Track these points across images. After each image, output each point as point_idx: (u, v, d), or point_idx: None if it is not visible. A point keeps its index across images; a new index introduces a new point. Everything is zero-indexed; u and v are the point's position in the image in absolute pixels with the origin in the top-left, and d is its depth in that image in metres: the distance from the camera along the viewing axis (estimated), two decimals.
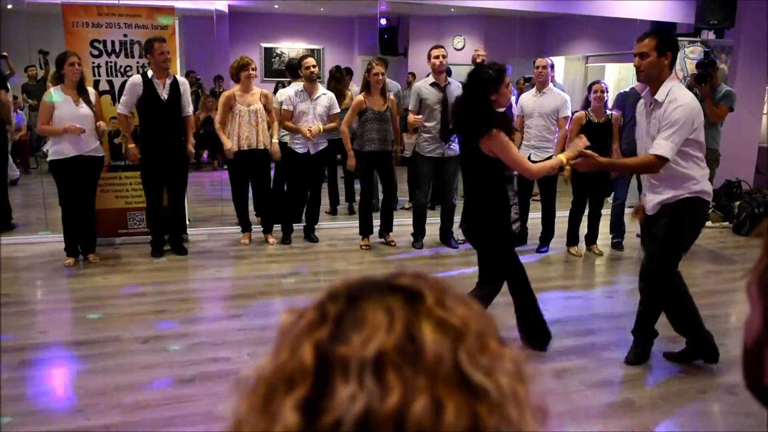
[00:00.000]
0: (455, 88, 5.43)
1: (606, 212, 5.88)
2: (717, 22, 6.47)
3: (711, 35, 6.77)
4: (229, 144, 5.26)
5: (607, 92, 5.34)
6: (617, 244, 5.88)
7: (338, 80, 6.58)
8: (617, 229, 5.88)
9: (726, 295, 4.79)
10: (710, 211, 6.25)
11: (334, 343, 0.45)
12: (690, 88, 5.78)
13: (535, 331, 3.57)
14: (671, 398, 3.21)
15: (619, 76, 9.47)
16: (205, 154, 9.89)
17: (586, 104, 5.39)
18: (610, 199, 6.39)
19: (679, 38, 6.97)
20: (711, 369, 3.49)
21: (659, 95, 3.17)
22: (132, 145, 5.03)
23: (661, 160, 3.11)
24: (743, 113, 6.78)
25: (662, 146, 3.10)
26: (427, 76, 5.85)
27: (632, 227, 6.00)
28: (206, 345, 3.60)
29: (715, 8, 6.46)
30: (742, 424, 2.90)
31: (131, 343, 3.58)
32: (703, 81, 5.59)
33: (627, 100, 5.65)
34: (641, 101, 3.42)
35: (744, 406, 3.08)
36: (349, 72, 8.13)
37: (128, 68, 5.25)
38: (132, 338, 3.64)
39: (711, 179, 5.80)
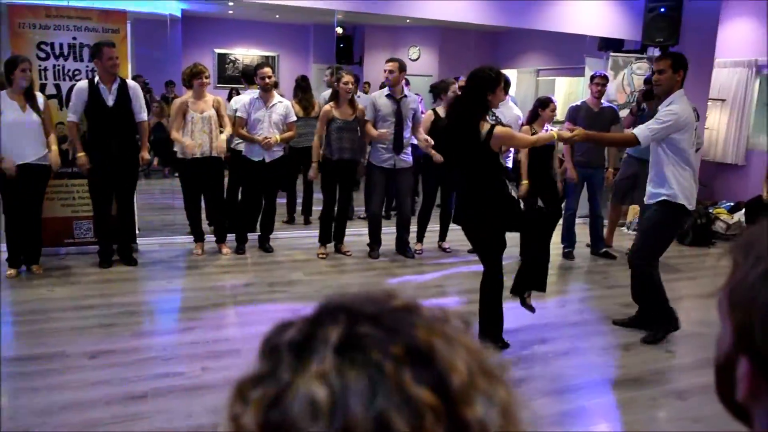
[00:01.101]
0: (411, 101, 5.47)
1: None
2: (662, 39, 6.72)
3: (657, 52, 7.02)
4: (189, 141, 5.15)
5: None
6: (568, 254, 6.02)
7: (305, 90, 6.55)
8: (568, 239, 6.02)
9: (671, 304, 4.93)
10: None
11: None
12: (638, 103, 6.00)
13: (492, 328, 3.72)
14: (623, 405, 3.30)
15: (568, 90, 9.74)
16: (155, 162, 9.65)
17: (533, 118, 5.47)
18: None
19: (627, 54, 7.23)
20: (662, 377, 3.60)
21: (663, 104, 3.89)
22: (81, 154, 4.86)
23: (636, 140, 3.85)
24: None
25: (642, 130, 3.84)
26: (382, 87, 5.90)
27: (583, 237, 6.16)
28: (158, 360, 3.50)
29: (661, 26, 6.71)
30: (690, 429, 2.99)
31: (78, 358, 3.45)
32: (650, 97, 5.78)
33: (579, 113, 5.81)
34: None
35: (693, 411, 3.18)
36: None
37: (77, 72, 5.08)
38: (79, 353, 3.50)
39: None
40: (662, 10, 6.69)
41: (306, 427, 0.42)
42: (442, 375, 0.44)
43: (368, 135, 5.39)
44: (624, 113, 6.62)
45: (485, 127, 3.50)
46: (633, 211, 7.13)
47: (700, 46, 7.07)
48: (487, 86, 3.50)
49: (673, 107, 3.82)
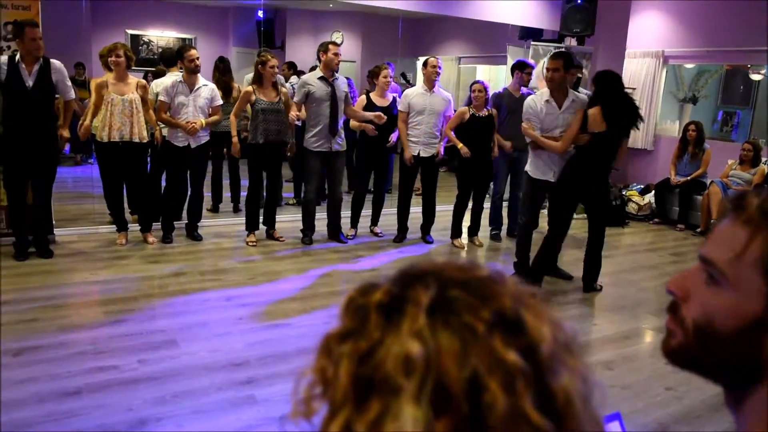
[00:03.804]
0: (342, 83, 5.46)
1: (486, 205, 6.19)
2: (579, 30, 7.01)
3: (573, 42, 7.32)
4: (89, 120, 5.04)
5: (488, 91, 5.62)
6: (495, 236, 6.21)
7: (223, 72, 6.34)
8: (496, 221, 6.21)
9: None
10: None
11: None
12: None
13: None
14: None
15: (488, 77, 9.99)
16: (66, 147, 9.10)
17: (469, 102, 5.66)
18: (489, 194, 6.74)
19: (546, 44, 7.49)
20: (589, 349, 3.80)
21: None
22: None
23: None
24: None
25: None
26: (311, 69, 5.86)
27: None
28: (89, 354, 3.33)
29: (578, 17, 6.99)
30: (620, 395, 3.19)
31: (1, 356, 3.23)
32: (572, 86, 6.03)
33: (502, 99, 5.99)
34: (545, 102, 4.67)
35: (620, 379, 3.38)
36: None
37: None
38: (2, 351, 3.28)
39: None
40: (579, 2, 6.97)
41: (399, 381, 0.43)
42: (531, 344, 0.45)
43: (290, 118, 5.33)
44: None
45: None
46: None
47: (614, 38, 7.45)
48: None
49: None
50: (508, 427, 0.42)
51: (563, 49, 7.40)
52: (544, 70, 7.44)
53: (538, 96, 4.80)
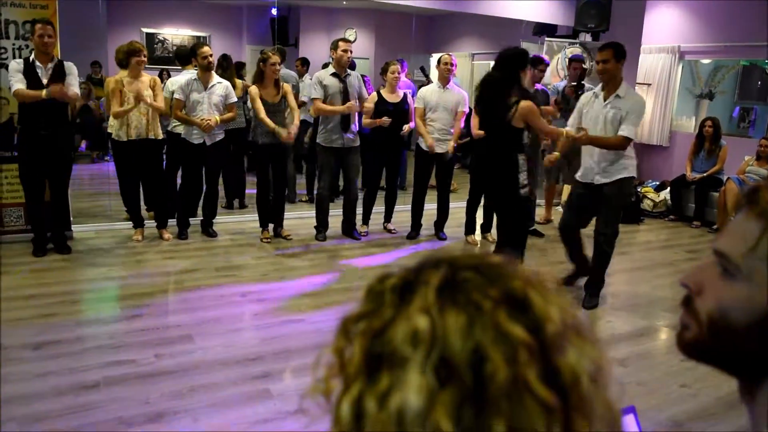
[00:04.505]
0: (354, 80, 5.49)
1: None
2: (594, 25, 6.97)
3: (588, 37, 7.28)
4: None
5: None
6: None
7: (225, 69, 6.34)
8: None
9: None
10: None
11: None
12: (564, 96, 6.23)
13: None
14: None
15: None
16: (83, 144, 9.22)
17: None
18: None
19: (560, 40, 7.45)
20: (604, 346, 3.78)
21: (620, 91, 4.12)
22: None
23: (628, 140, 4.10)
24: None
25: (629, 129, 4.07)
26: (324, 66, 5.88)
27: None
28: (106, 348, 3.38)
29: (592, 12, 6.95)
30: (635, 392, 3.18)
31: (21, 350, 3.28)
32: (580, 90, 6.00)
33: None
34: (590, 95, 4.35)
35: (635, 376, 3.37)
36: (240, 66, 7.89)
37: (2, 50, 4.76)
38: (21, 345, 3.33)
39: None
40: None
41: (407, 353, 0.45)
42: (537, 322, 0.46)
43: (319, 111, 5.38)
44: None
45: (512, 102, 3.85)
46: (567, 190, 7.40)
47: (628, 33, 7.39)
48: (518, 64, 3.88)
49: (637, 97, 4.20)
50: (512, 397, 0.43)
51: (577, 44, 7.37)
52: (564, 64, 7.39)
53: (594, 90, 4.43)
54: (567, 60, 7.33)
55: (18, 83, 4.41)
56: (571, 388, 0.45)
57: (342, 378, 0.48)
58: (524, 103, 3.93)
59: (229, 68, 6.42)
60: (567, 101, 6.17)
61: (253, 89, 5.25)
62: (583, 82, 6.22)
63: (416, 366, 0.44)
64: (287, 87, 5.37)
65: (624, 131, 4.09)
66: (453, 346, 0.44)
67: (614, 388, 0.50)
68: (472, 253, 0.53)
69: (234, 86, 6.26)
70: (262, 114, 5.16)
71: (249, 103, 5.41)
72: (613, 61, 4.08)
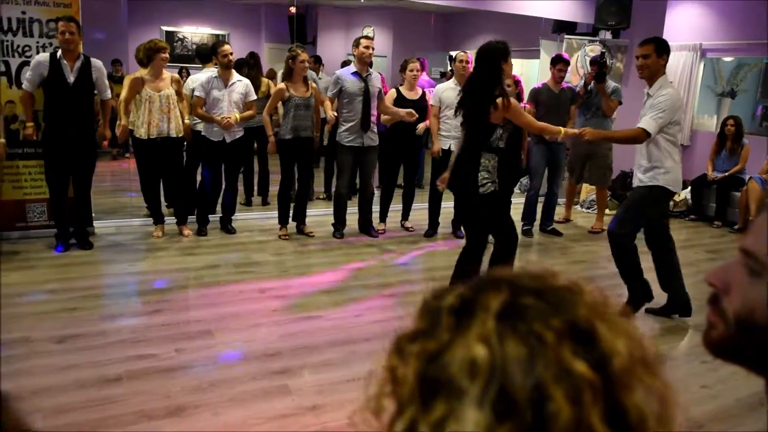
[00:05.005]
0: (375, 79, 5.48)
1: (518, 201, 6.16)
2: (614, 23, 6.92)
3: (608, 35, 7.22)
4: (125, 121, 5.08)
5: (521, 85, 5.59)
6: (527, 231, 6.17)
7: (252, 67, 6.42)
8: (528, 216, 6.18)
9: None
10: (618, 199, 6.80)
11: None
12: (585, 84, 6.18)
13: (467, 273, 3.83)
14: None
15: (521, 71, 9.89)
16: (104, 143, 9.31)
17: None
18: (518, 189, 6.74)
19: (580, 37, 7.40)
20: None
21: (652, 90, 3.89)
22: (30, 124, 4.67)
23: (646, 133, 3.84)
24: (637, 108, 7.30)
25: (648, 122, 3.84)
26: (343, 65, 5.88)
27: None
28: (128, 342, 3.43)
29: (613, 10, 6.89)
30: None
31: (45, 343, 3.34)
32: (601, 79, 5.96)
33: (540, 95, 5.96)
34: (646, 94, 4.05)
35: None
36: (242, 63, 7.93)
37: (27, 48, 4.85)
38: (45, 338, 3.39)
39: (610, 167, 6.28)
40: None
41: (464, 384, 0.43)
42: (604, 356, 0.44)
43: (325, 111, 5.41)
44: None
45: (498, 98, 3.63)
46: (585, 190, 7.36)
47: (649, 30, 7.29)
48: (498, 58, 3.64)
49: (669, 92, 3.87)
50: None
51: (597, 42, 7.32)
52: (583, 62, 7.31)
53: None
54: (588, 60, 7.29)
55: (28, 82, 4.57)
56: (636, 427, 0.44)
57: (395, 399, 0.46)
58: (509, 100, 3.70)
59: (257, 66, 6.49)
60: (588, 98, 6.14)
61: (280, 86, 5.30)
62: (590, 87, 6.14)
63: (474, 399, 0.42)
64: (315, 87, 5.42)
65: (642, 123, 3.89)
66: (513, 380, 0.42)
67: (681, 423, 0.48)
68: (534, 273, 0.50)
69: (260, 84, 6.34)
70: (267, 111, 5.32)
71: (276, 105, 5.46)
72: (654, 56, 3.88)
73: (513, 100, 3.76)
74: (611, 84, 6.15)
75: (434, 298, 0.50)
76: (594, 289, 0.50)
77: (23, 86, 4.61)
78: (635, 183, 4.09)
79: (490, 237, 3.90)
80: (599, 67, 6.00)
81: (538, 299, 0.46)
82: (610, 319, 0.47)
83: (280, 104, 5.39)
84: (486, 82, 3.65)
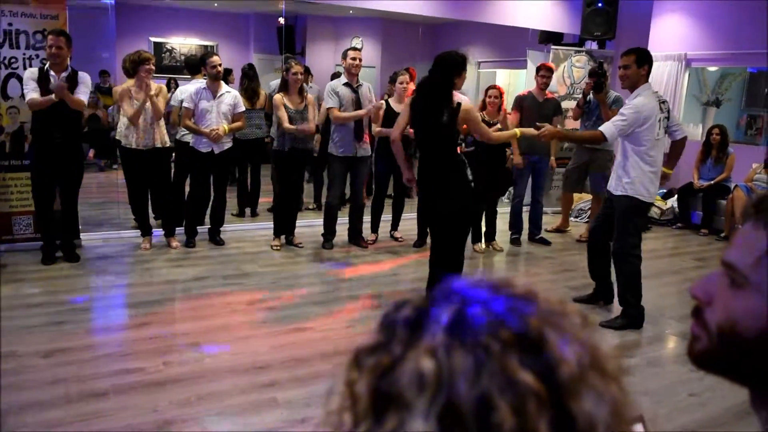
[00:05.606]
0: (366, 90, 5.51)
1: (503, 210, 6.19)
2: (600, 34, 6.99)
3: (594, 45, 7.29)
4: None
5: (504, 97, 5.63)
6: (515, 240, 6.20)
7: (251, 78, 6.43)
8: (516, 226, 6.20)
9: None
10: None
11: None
12: (584, 95, 6.24)
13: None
14: None
15: (508, 81, 9.97)
16: (90, 153, 9.28)
17: (483, 107, 5.64)
18: (506, 198, 6.77)
19: (566, 48, 7.47)
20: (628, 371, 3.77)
21: (629, 99, 4.02)
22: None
23: (603, 137, 3.98)
24: None
25: (608, 127, 3.97)
26: (333, 77, 5.91)
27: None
28: (115, 356, 3.40)
29: (598, 21, 6.97)
30: (643, 401, 3.16)
31: (31, 357, 3.31)
32: (600, 90, 6.01)
33: (524, 102, 5.99)
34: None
35: (641, 385, 3.36)
36: (228, 72, 7.94)
37: (13, 59, 4.83)
38: (32, 353, 3.36)
39: (606, 177, 6.30)
40: (600, 5, 6.95)
41: (411, 398, 0.43)
42: (551, 365, 0.44)
43: (338, 119, 5.40)
44: (570, 104, 6.88)
45: (453, 104, 3.71)
46: (577, 199, 7.40)
47: (634, 41, 7.39)
48: (454, 69, 3.73)
49: (636, 101, 3.91)
50: None
51: (584, 53, 7.39)
52: (570, 72, 7.41)
53: None
54: (574, 71, 7.37)
55: (32, 92, 4.46)
56: None
57: (352, 414, 0.46)
58: (466, 106, 3.81)
59: (256, 77, 6.51)
60: (588, 108, 6.20)
61: (278, 97, 5.30)
62: (589, 97, 6.20)
63: (421, 412, 0.42)
64: (311, 98, 5.43)
65: (602, 126, 4.06)
66: (459, 392, 0.42)
67: (635, 427, 0.48)
68: (491, 281, 0.50)
69: (257, 96, 6.36)
70: (286, 122, 5.24)
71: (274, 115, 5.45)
72: (635, 67, 3.94)
73: (470, 106, 3.86)
74: (612, 94, 6.20)
75: (393, 310, 0.49)
76: (549, 297, 0.49)
77: (29, 97, 4.51)
78: (610, 189, 4.21)
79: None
80: (597, 78, 6.07)
81: (488, 309, 0.46)
82: (561, 326, 0.46)
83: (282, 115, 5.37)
84: (436, 89, 3.77)
